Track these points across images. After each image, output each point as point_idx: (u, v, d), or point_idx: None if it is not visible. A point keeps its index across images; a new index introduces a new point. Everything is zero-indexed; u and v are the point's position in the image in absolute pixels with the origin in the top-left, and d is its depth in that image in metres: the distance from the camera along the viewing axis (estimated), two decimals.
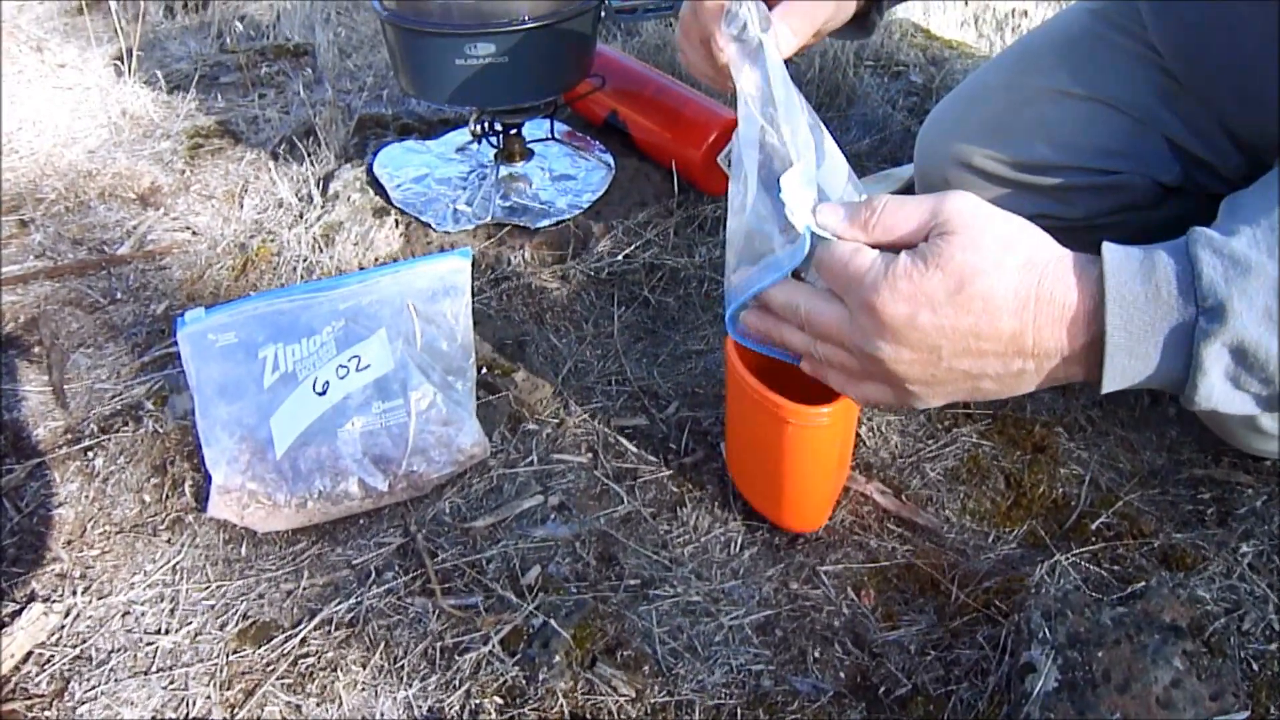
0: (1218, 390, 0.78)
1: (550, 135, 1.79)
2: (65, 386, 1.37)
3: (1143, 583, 1.06)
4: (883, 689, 1.00)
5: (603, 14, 1.60)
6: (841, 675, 1.02)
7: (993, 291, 0.79)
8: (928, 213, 0.83)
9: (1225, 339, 0.75)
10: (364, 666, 1.03)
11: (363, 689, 1.02)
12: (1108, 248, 0.80)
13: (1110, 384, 0.81)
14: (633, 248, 1.60)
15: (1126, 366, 0.79)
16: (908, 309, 0.80)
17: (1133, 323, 0.78)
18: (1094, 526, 1.15)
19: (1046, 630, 0.96)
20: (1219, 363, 0.77)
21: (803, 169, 0.88)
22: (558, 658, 1.02)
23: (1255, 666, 0.96)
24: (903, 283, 0.80)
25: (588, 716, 0.98)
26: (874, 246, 0.85)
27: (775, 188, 0.89)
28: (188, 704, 1.01)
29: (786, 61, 1.00)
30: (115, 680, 1.03)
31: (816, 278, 0.89)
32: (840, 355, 0.89)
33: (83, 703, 1.01)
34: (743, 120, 0.95)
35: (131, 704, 1.01)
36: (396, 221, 1.65)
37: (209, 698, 1.01)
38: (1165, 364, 0.79)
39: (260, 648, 1.06)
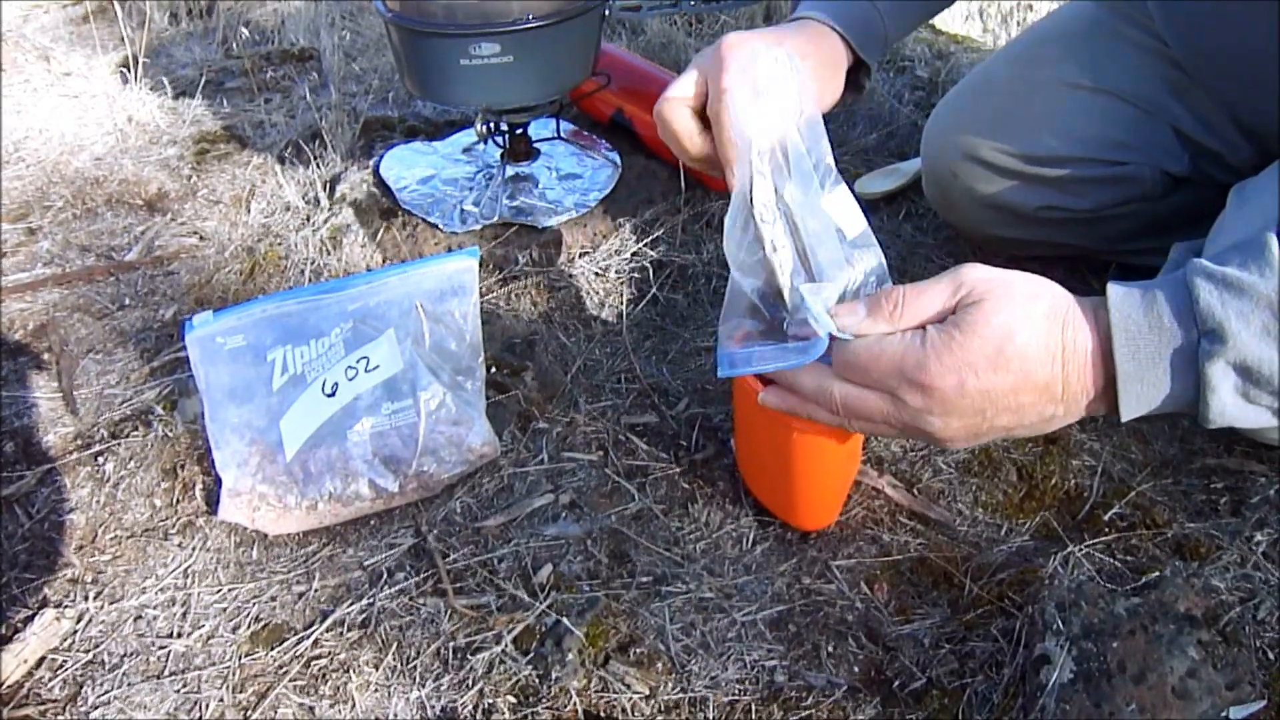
0: (1230, 407, 0.81)
1: (556, 134, 1.79)
2: (75, 392, 1.38)
3: (1157, 573, 1.05)
4: (897, 683, 1.00)
5: (607, 12, 1.60)
6: (855, 669, 1.02)
7: (1028, 347, 0.83)
8: (949, 290, 0.86)
9: (1229, 358, 0.79)
10: (377, 667, 1.03)
11: (376, 690, 1.02)
12: (1111, 287, 0.84)
13: (1128, 413, 0.84)
14: (641, 245, 1.59)
15: (1140, 394, 0.83)
16: (956, 379, 0.83)
17: (1140, 352, 0.82)
18: (1107, 517, 1.14)
19: (1061, 622, 0.96)
20: (1226, 381, 0.80)
21: (830, 287, 0.90)
22: (571, 656, 1.02)
23: (1271, 655, 0.95)
24: (946, 355, 0.83)
25: (601, 714, 0.98)
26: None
27: (793, 286, 0.91)
28: (200, 707, 1.01)
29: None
30: (128, 685, 1.03)
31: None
32: (880, 428, 0.92)
33: (96, 707, 1.01)
34: (751, 179, 0.97)
35: (144, 708, 1.01)
36: (404, 223, 1.65)
37: (222, 700, 1.01)
38: (1176, 387, 0.82)
39: (273, 650, 1.06)
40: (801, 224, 0.94)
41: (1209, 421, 0.82)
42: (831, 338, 0.89)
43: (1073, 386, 0.84)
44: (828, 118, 1.04)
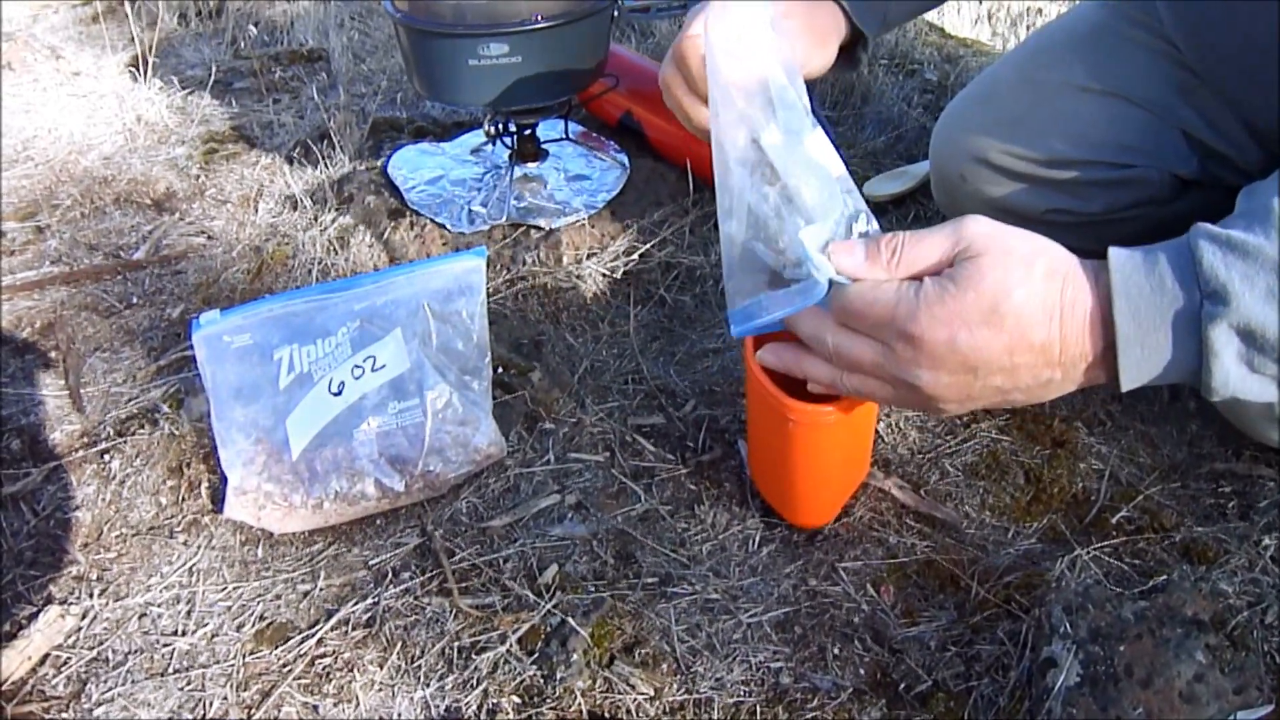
0: (1233, 375, 0.79)
1: (565, 136, 1.79)
2: (81, 390, 1.38)
3: (1164, 576, 1.05)
4: (903, 685, 1.00)
5: (616, 14, 1.60)
6: (861, 672, 1.01)
7: (1024, 306, 0.81)
8: (949, 240, 0.84)
9: (1231, 320, 0.77)
10: (381, 667, 1.03)
11: (380, 689, 1.01)
12: (1113, 249, 0.82)
13: (1127, 379, 0.82)
14: (648, 247, 1.59)
15: (1140, 358, 0.81)
16: (947, 332, 0.82)
17: (1140, 313, 0.80)
18: (1114, 521, 1.14)
19: (1068, 625, 0.95)
20: (1229, 345, 0.78)
21: (822, 230, 0.89)
22: (576, 656, 1.02)
23: (1278, 660, 0.95)
24: (938, 308, 0.82)
25: (606, 715, 0.98)
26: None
27: (789, 225, 0.90)
28: (204, 705, 1.01)
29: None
30: (132, 682, 1.03)
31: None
32: (871, 384, 0.90)
33: (99, 704, 1.01)
34: (732, 128, 0.95)
35: (148, 705, 1.01)
36: (412, 223, 1.65)
37: (226, 699, 1.01)
38: (1178, 352, 0.80)
39: (277, 649, 1.06)
40: (784, 167, 0.92)
41: (1212, 392, 0.80)
42: (831, 283, 0.88)
43: (1071, 349, 0.82)
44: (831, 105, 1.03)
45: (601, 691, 1.00)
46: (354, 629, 1.07)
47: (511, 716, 0.98)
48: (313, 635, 1.06)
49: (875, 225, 0.91)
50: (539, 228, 1.63)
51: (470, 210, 1.66)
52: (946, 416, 1.22)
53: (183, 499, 1.22)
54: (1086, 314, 0.82)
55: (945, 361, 0.83)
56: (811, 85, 1.04)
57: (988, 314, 0.81)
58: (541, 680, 1.01)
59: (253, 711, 1.00)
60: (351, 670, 1.03)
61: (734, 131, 0.94)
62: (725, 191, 0.95)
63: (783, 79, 0.95)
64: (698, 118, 1.12)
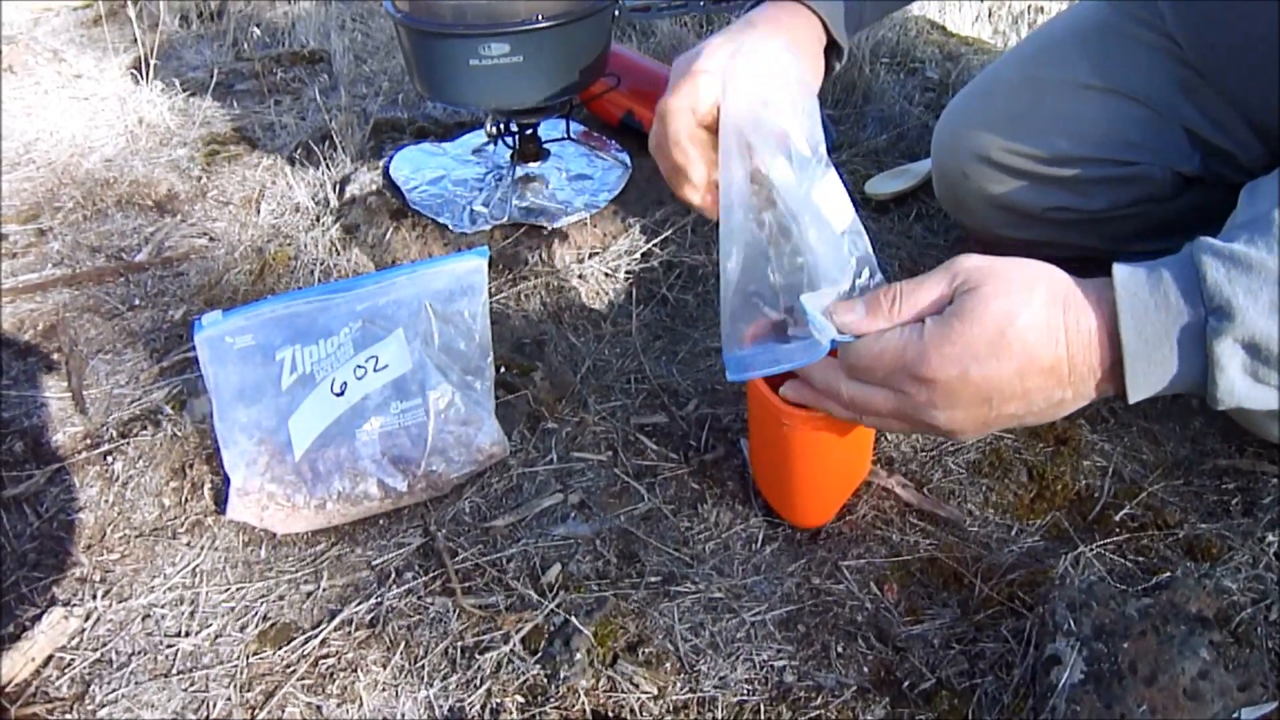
0: (1239, 386, 0.80)
1: (566, 135, 1.79)
2: (84, 392, 1.38)
3: (1168, 574, 1.05)
4: (907, 683, 1.00)
5: (617, 13, 1.59)
6: (865, 670, 1.01)
7: (1028, 330, 0.82)
8: (945, 279, 0.86)
9: (1236, 335, 0.78)
10: (385, 667, 1.03)
11: (383, 689, 1.01)
12: (1116, 266, 0.83)
13: (1135, 393, 0.83)
14: (650, 246, 1.59)
15: (1147, 373, 0.82)
16: (957, 368, 0.83)
17: (1146, 329, 0.80)
18: (1118, 518, 1.14)
19: (1071, 622, 0.95)
20: (1235, 359, 0.79)
21: (826, 293, 0.89)
22: (579, 655, 1.02)
23: None
24: (946, 346, 0.83)
25: (610, 714, 0.98)
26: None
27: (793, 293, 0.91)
28: (208, 706, 1.01)
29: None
30: (136, 683, 1.03)
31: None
32: (890, 424, 0.91)
33: (103, 705, 1.01)
34: (741, 173, 0.96)
35: (152, 706, 1.01)
36: (413, 224, 1.65)
37: (229, 699, 1.01)
38: (1184, 366, 0.81)
39: (280, 649, 1.05)
40: (794, 218, 0.93)
41: (1218, 402, 0.81)
42: (834, 341, 0.88)
43: (1079, 367, 0.83)
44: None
45: (605, 691, 1.00)
46: (357, 629, 1.07)
47: (515, 716, 0.98)
48: (316, 635, 1.06)
49: (879, 276, 0.92)
50: (541, 227, 1.63)
51: (472, 210, 1.66)
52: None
53: (186, 500, 1.22)
54: (1091, 331, 0.82)
55: (959, 397, 0.84)
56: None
57: (994, 343, 0.81)
58: (545, 680, 1.01)
59: (256, 712, 1.00)
60: (355, 670, 1.03)
61: (740, 177, 0.95)
62: (728, 238, 0.96)
63: (800, 133, 0.96)
64: (701, 172, 1.07)
